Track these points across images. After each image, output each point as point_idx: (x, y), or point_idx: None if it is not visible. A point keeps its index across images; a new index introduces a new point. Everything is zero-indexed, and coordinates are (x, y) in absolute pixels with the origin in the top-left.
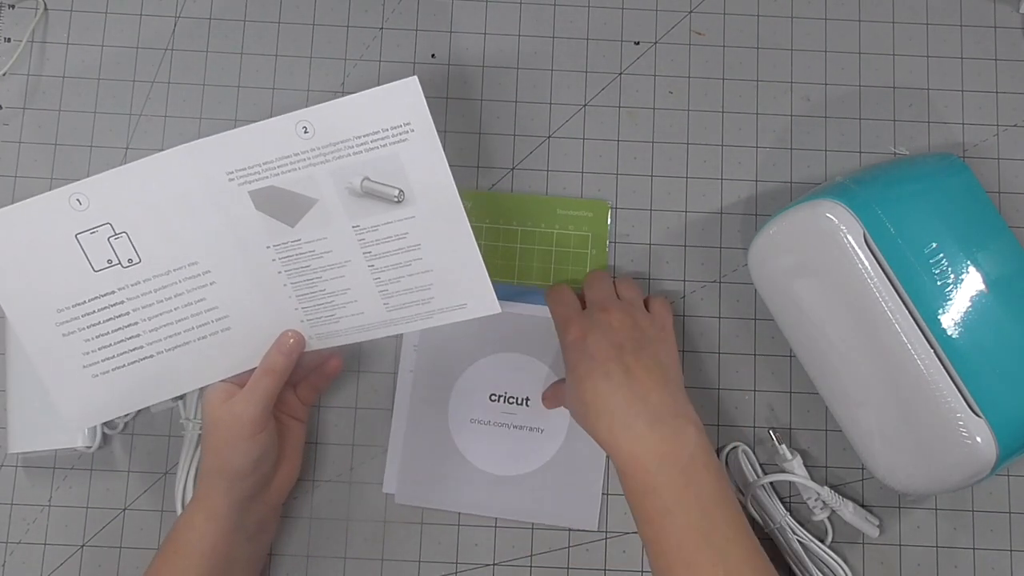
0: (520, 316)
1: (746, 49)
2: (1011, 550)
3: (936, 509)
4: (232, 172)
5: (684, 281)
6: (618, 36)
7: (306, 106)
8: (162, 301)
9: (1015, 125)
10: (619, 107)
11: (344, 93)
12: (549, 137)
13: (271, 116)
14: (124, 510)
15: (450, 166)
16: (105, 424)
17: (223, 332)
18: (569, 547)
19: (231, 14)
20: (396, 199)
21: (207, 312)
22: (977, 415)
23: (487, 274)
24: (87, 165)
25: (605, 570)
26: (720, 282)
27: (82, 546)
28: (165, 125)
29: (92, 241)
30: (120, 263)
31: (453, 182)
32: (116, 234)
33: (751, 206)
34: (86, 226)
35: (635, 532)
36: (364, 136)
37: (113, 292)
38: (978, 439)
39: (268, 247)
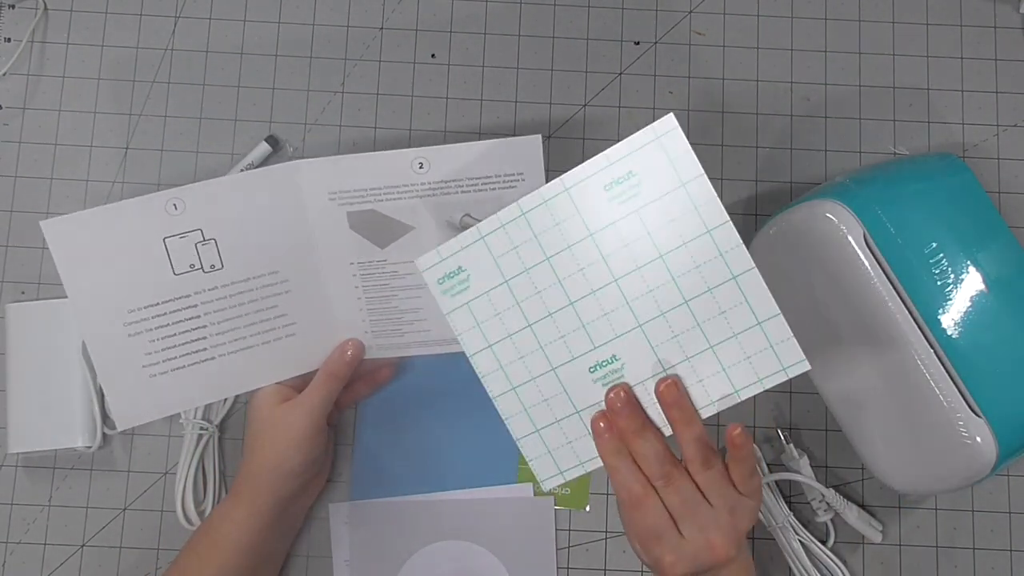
0: (469, 501)
1: (746, 49)
2: (1011, 550)
3: (936, 509)
4: (335, 193)
5: None
6: (618, 36)
7: (307, 106)
8: (235, 307)
9: (1015, 125)
10: (619, 107)
11: (344, 93)
12: (549, 137)
13: (271, 117)
14: (124, 510)
15: None
16: (105, 424)
17: (287, 337)
18: (569, 547)
19: (231, 14)
20: None
21: (276, 319)
22: (977, 415)
23: None
24: (87, 165)
25: (605, 570)
26: None
27: (82, 546)
28: (165, 125)
29: (179, 245)
30: (202, 268)
31: None
32: (205, 240)
33: (751, 206)
34: (176, 230)
35: None
36: (476, 179)
37: (189, 296)
38: (978, 439)
39: (352, 263)
